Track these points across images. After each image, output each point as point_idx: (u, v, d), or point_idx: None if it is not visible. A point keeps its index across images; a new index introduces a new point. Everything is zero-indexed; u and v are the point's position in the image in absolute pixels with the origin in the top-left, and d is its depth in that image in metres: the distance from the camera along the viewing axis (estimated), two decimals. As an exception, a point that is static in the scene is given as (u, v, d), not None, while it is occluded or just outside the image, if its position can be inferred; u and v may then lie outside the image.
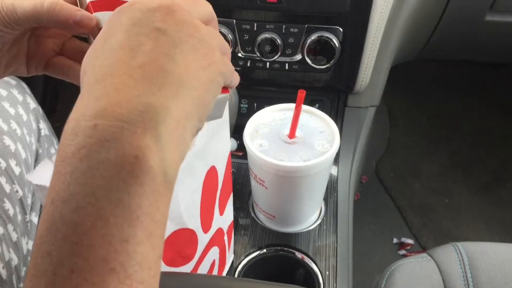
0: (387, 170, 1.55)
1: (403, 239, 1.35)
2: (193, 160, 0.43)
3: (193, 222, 0.47)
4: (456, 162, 1.56)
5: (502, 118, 1.67)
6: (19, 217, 0.70)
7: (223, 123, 0.50)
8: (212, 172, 0.48)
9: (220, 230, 0.57)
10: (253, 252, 0.72)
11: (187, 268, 0.50)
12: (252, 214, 0.78)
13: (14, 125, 0.74)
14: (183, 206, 0.43)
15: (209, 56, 0.31)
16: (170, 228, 0.44)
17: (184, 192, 0.43)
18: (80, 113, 0.26)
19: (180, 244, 0.46)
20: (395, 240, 1.35)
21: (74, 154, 0.25)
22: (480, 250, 0.71)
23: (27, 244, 0.72)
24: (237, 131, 0.81)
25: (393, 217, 1.43)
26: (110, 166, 0.25)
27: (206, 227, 0.51)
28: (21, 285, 0.69)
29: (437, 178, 1.52)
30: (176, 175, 0.29)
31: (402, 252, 1.32)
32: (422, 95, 1.74)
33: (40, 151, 0.81)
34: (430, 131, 1.65)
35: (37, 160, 0.79)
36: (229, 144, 0.54)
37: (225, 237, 0.61)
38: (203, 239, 0.51)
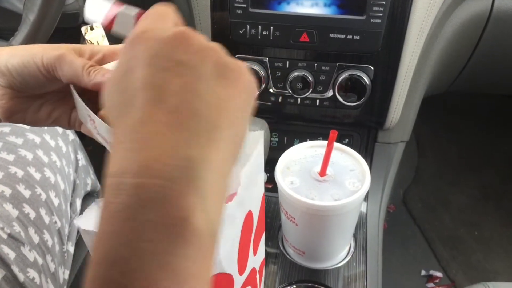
0: (415, 200, 1.54)
1: (432, 272, 1.33)
2: (234, 209, 0.44)
3: (231, 267, 0.48)
4: (486, 194, 1.53)
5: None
6: (57, 248, 0.72)
7: (259, 167, 0.52)
8: (249, 217, 0.50)
9: (253, 270, 0.58)
10: (283, 287, 0.72)
11: (221, 309, 0.51)
12: (282, 249, 0.79)
13: (54, 157, 0.77)
14: (223, 253, 0.45)
15: (240, 81, 0.30)
16: (208, 273, 0.45)
17: (224, 240, 0.44)
18: (120, 168, 0.25)
19: (218, 287, 0.48)
20: (423, 273, 1.33)
21: (119, 214, 0.25)
22: (512, 292, 0.70)
23: (64, 274, 0.74)
24: (267, 163, 0.83)
25: (421, 248, 1.41)
26: (157, 228, 0.24)
27: (241, 269, 0.52)
28: (57, 314, 0.71)
29: (467, 210, 1.50)
30: (219, 227, 0.28)
31: (431, 285, 1.30)
32: (452, 125, 1.72)
33: (78, 181, 0.83)
34: (459, 161, 1.64)
35: (74, 191, 0.82)
36: (263, 186, 0.55)
37: (257, 276, 0.62)
38: (238, 281, 0.52)
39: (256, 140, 0.49)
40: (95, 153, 1.59)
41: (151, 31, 0.29)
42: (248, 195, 0.48)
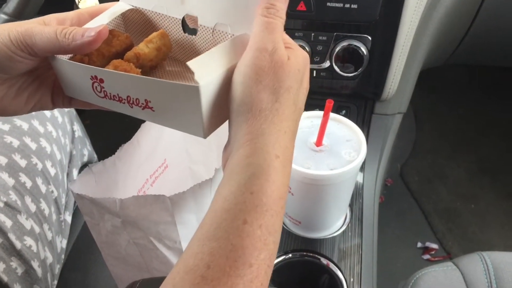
0: (413, 173, 1.54)
1: (428, 244, 1.34)
2: None
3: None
4: (483, 168, 1.54)
5: (532, 123, 1.64)
6: (54, 217, 0.72)
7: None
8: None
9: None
10: (279, 256, 0.73)
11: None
12: (278, 219, 0.79)
13: (50, 127, 0.76)
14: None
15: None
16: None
17: None
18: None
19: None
20: (419, 245, 1.35)
21: None
22: (507, 260, 0.71)
23: (61, 243, 0.75)
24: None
25: (418, 221, 1.42)
26: None
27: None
28: (55, 282, 0.72)
29: (464, 183, 1.51)
30: None
31: (427, 256, 1.32)
32: (450, 99, 1.72)
33: (74, 152, 0.83)
34: (457, 135, 1.64)
35: (71, 161, 0.82)
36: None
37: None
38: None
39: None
40: (92, 127, 1.60)
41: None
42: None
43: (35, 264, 0.64)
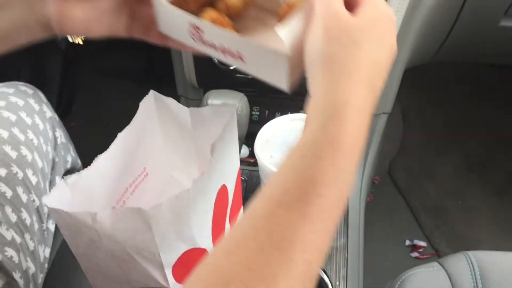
0: (401, 170, 1.55)
1: (416, 241, 1.35)
2: (206, 184, 0.44)
3: (205, 241, 0.48)
4: (471, 164, 1.55)
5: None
6: (36, 226, 0.71)
7: (233, 143, 0.51)
8: (222, 191, 0.49)
9: (230, 244, 0.58)
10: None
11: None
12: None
13: (31, 135, 0.75)
14: (195, 227, 0.44)
15: None
16: (181, 248, 0.45)
17: (196, 215, 0.44)
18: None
19: (192, 262, 0.47)
20: (407, 242, 1.35)
21: None
22: (492, 260, 0.71)
23: (44, 252, 0.74)
24: (248, 138, 0.82)
25: (406, 218, 1.43)
26: None
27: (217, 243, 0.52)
28: (38, 292, 0.71)
29: (452, 180, 1.52)
30: None
31: (415, 254, 1.32)
32: (437, 96, 1.72)
33: (57, 159, 0.82)
34: (445, 132, 1.64)
35: (53, 169, 0.81)
36: (238, 161, 0.55)
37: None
38: (213, 255, 0.52)
39: (226, 114, 0.48)
40: (79, 129, 1.58)
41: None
42: (221, 169, 0.48)
43: (16, 276, 0.63)
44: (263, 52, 0.41)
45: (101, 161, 0.47)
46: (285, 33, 0.40)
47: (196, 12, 0.44)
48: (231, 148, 0.50)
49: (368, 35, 0.38)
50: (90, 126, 1.49)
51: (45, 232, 0.75)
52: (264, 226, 0.30)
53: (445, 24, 0.94)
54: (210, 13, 0.44)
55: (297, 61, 0.41)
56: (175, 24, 0.43)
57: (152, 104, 0.53)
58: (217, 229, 0.50)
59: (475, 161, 1.55)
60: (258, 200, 0.33)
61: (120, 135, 0.48)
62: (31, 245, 0.69)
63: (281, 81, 0.43)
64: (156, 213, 0.39)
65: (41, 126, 0.79)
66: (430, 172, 1.54)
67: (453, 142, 1.61)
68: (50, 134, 0.82)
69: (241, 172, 0.87)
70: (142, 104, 0.51)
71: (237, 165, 0.54)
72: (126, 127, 0.49)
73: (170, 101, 0.52)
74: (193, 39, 0.44)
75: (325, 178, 0.33)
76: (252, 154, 0.86)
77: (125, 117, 0.54)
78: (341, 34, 0.37)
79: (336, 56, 0.36)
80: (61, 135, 0.86)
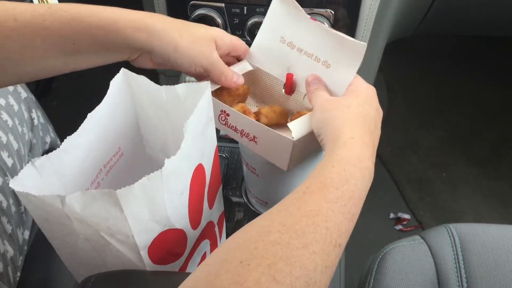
0: (385, 143, 1.55)
1: (400, 214, 1.36)
2: (179, 163, 0.43)
3: (182, 222, 0.47)
4: (454, 135, 1.55)
5: (501, 91, 1.65)
6: (13, 209, 0.70)
7: (209, 122, 0.50)
8: (199, 170, 0.48)
9: (210, 223, 0.58)
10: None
11: (176, 264, 0.51)
12: (245, 199, 0.79)
13: (4, 116, 0.73)
14: (170, 209, 0.44)
15: None
16: (156, 230, 0.44)
17: (170, 195, 0.43)
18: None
19: (169, 243, 0.47)
20: (391, 215, 1.36)
21: None
22: (472, 232, 0.72)
23: (23, 234, 0.73)
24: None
25: (390, 191, 1.43)
26: None
27: (195, 224, 0.51)
28: (18, 274, 0.70)
29: (435, 151, 1.52)
30: None
31: (399, 227, 1.33)
32: (421, 68, 1.72)
33: (34, 141, 0.81)
34: (428, 104, 1.64)
35: (31, 150, 0.79)
36: (215, 140, 0.53)
37: (216, 229, 0.62)
38: (192, 235, 0.51)
39: (201, 91, 0.47)
40: (59, 108, 1.55)
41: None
42: (196, 148, 0.47)
43: (-6, 260, 0.62)
44: (274, 137, 0.52)
45: (71, 142, 0.45)
46: (293, 126, 0.51)
47: (229, 104, 0.58)
48: (207, 126, 0.49)
49: (355, 99, 0.51)
50: (73, 105, 1.46)
51: (23, 215, 0.73)
52: (295, 202, 0.40)
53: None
54: (241, 105, 0.59)
55: (299, 150, 0.53)
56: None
57: (124, 83, 0.52)
58: (194, 209, 0.49)
59: (459, 133, 1.56)
60: (289, 195, 0.42)
61: (90, 115, 0.47)
62: (8, 228, 0.67)
63: (284, 162, 0.54)
64: (128, 195, 0.38)
65: (15, 107, 0.77)
66: (414, 144, 1.54)
67: (437, 114, 1.61)
68: (26, 115, 0.80)
69: (222, 149, 0.86)
70: (113, 83, 0.50)
71: (214, 143, 0.53)
72: (97, 107, 0.47)
73: (142, 79, 0.51)
74: (220, 120, 0.57)
75: (339, 179, 0.44)
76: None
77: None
78: (335, 104, 0.51)
79: (334, 117, 0.49)
80: (38, 116, 0.84)
